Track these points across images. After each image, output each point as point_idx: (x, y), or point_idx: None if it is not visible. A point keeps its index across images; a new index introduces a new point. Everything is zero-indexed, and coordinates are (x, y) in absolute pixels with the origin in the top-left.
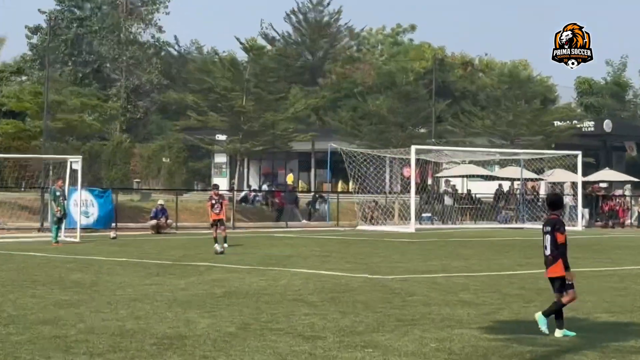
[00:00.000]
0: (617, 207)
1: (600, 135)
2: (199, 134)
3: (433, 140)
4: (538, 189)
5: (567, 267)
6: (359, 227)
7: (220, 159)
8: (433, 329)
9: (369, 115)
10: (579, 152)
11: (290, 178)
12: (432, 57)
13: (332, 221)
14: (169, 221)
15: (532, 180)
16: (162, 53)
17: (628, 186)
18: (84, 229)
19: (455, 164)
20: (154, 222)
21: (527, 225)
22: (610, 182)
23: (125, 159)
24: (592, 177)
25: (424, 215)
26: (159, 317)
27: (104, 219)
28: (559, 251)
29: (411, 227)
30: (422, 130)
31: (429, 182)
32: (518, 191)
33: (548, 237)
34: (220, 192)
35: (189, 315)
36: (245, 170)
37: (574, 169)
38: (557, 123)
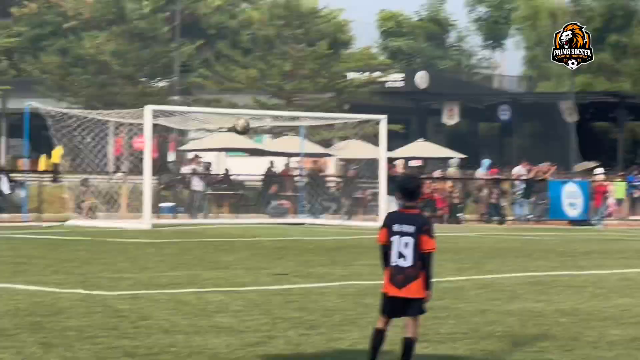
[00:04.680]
0: (435, 195)
1: (412, 93)
2: None
3: (177, 98)
4: (325, 168)
5: (428, 285)
6: (70, 222)
7: None
8: None
9: (84, 62)
10: (384, 117)
11: (58, 153)
12: None
13: (31, 213)
14: None
15: (317, 156)
16: None
17: (454, 161)
18: None
19: (207, 132)
20: None
21: (310, 219)
22: (425, 159)
23: None
24: (400, 152)
25: (163, 205)
26: None
27: None
28: (425, 262)
29: (145, 222)
30: (162, 84)
31: (171, 157)
32: (297, 172)
33: (409, 241)
34: None
35: None
36: None
37: (375, 141)
38: (351, 75)
